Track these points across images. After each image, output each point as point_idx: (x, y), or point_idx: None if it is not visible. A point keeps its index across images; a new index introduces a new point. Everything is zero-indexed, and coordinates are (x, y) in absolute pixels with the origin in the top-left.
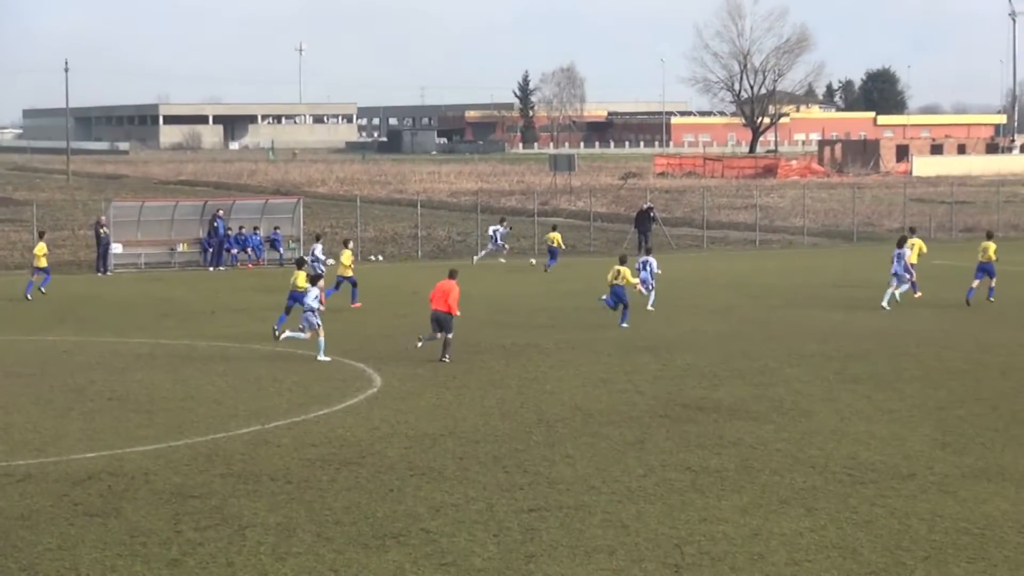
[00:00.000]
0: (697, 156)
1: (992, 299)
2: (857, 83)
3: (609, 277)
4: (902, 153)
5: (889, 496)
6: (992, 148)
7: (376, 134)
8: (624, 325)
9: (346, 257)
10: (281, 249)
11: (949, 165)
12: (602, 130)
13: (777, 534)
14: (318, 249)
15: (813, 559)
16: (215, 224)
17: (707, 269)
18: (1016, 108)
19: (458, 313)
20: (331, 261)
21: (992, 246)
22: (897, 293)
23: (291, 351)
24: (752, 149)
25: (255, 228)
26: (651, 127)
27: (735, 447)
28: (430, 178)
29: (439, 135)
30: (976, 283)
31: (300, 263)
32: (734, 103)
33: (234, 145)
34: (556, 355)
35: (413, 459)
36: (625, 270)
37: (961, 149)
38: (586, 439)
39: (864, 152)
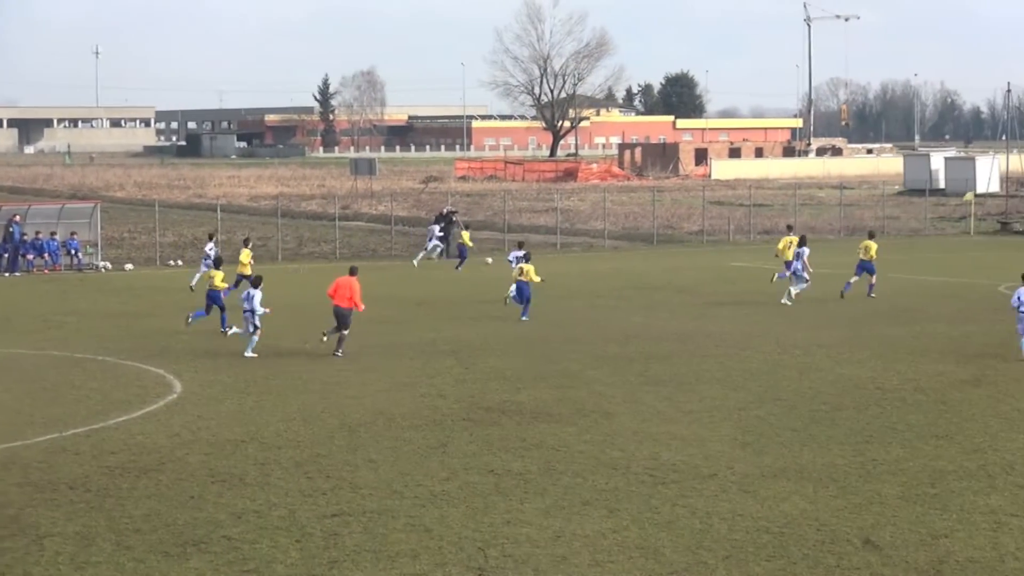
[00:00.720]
0: (498, 160)
1: (873, 295)
2: (656, 87)
3: (514, 273)
4: (701, 156)
5: (690, 496)
6: (789, 151)
7: (175, 138)
8: (524, 318)
9: (244, 256)
10: (80, 255)
11: (747, 168)
12: (403, 134)
13: (580, 535)
14: (208, 246)
15: (615, 560)
16: (11, 229)
17: (509, 272)
18: (812, 112)
19: (362, 308)
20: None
21: (873, 245)
22: (793, 291)
23: (91, 357)
24: (553, 153)
25: (52, 233)
26: (452, 131)
27: (538, 450)
28: (230, 182)
29: (239, 139)
30: (855, 279)
31: (218, 263)
32: (534, 107)
33: (29, 149)
34: (359, 359)
35: (214, 466)
36: (529, 267)
37: (759, 152)
38: (389, 443)
39: (663, 156)
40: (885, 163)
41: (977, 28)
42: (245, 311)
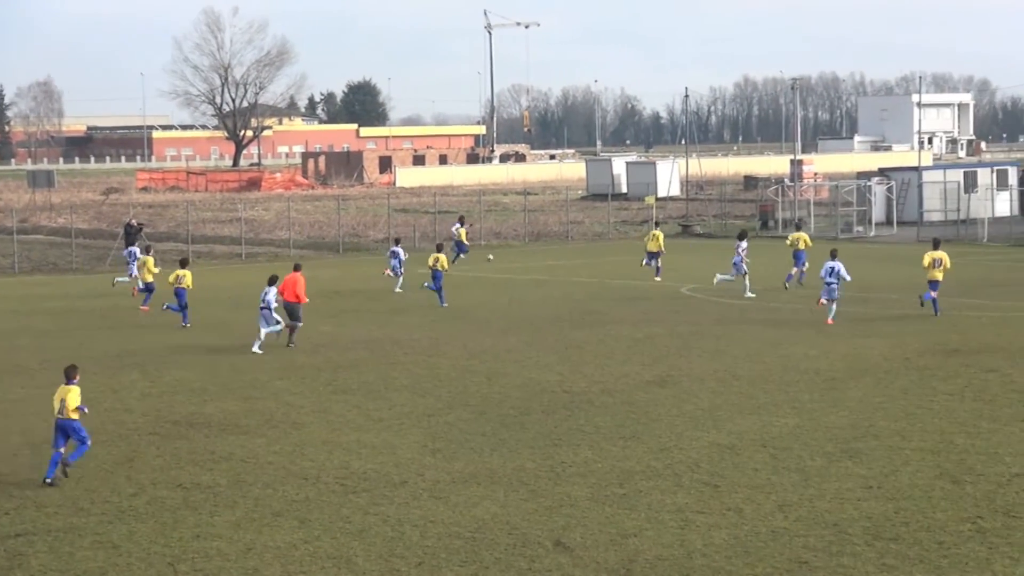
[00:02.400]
0: (180, 170)
1: (803, 282)
2: (339, 95)
3: (429, 262)
4: (385, 164)
5: (382, 504)
6: (473, 158)
7: None
8: (444, 305)
9: (149, 263)
10: None
11: (432, 176)
12: (82, 145)
13: (271, 547)
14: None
15: (308, 570)
16: None
17: (196, 284)
18: (495, 119)
19: (306, 300)
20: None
21: (804, 236)
22: (722, 277)
23: None
24: (236, 162)
25: None
26: (133, 141)
27: (227, 462)
28: None
29: None
30: (794, 270)
31: (184, 263)
32: (216, 116)
33: None
34: (41, 376)
35: None
36: (442, 256)
37: (443, 159)
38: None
39: (348, 164)
40: (568, 168)
41: (655, 35)
42: (263, 308)
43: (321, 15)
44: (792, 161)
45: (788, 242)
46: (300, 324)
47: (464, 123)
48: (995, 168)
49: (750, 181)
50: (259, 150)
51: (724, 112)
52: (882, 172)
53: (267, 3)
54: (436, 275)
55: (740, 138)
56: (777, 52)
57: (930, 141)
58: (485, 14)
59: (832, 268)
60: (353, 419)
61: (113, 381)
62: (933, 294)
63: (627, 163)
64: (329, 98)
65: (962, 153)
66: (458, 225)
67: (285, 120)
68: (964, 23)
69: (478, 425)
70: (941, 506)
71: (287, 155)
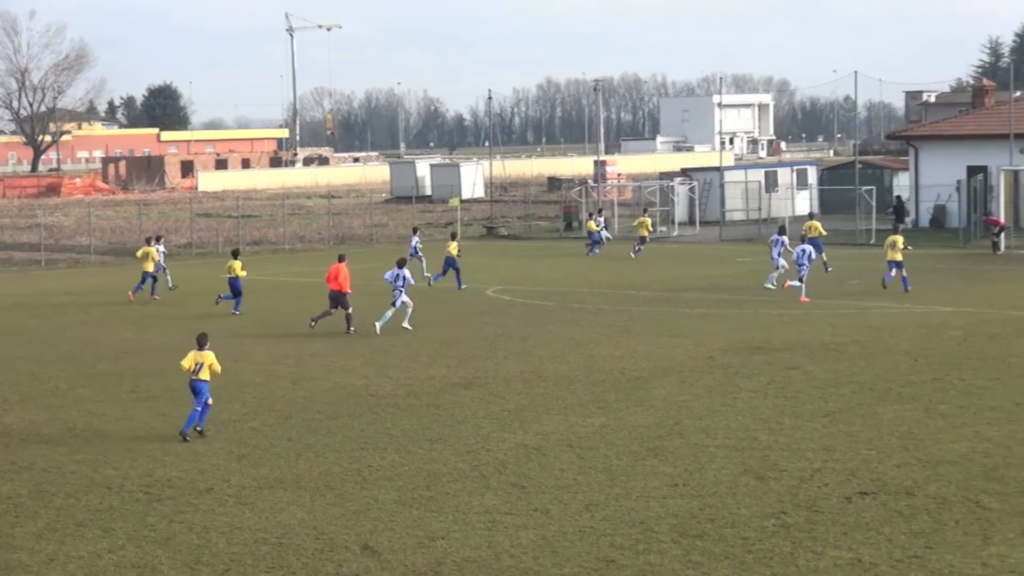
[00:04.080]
0: None
1: (829, 269)
2: (139, 99)
3: (445, 250)
4: (188, 168)
5: (187, 511)
6: (276, 162)
7: None
8: (464, 287)
9: (153, 254)
10: None
11: (235, 180)
12: None
13: (75, 557)
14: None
15: None
16: None
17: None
18: (298, 122)
19: (350, 291)
20: None
21: (817, 224)
22: (774, 278)
23: None
24: (34, 168)
25: None
26: None
27: (28, 472)
28: None
29: None
30: (822, 256)
31: (235, 253)
32: (13, 121)
33: None
34: None
35: None
36: (453, 244)
37: (246, 163)
38: None
39: (149, 168)
40: (372, 171)
41: (457, 37)
42: (397, 287)
43: (120, 18)
44: (595, 162)
45: (803, 231)
46: (351, 311)
47: (267, 127)
48: (795, 168)
49: (554, 182)
50: (58, 155)
51: (527, 114)
52: (684, 172)
53: (65, 5)
54: (448, 261)
55: (544, 139)
56: (579, 53)
57: (731, 141)
58: (286, 17)
59: (803, 251)
60: (157, 426)
61: None
62: (892, 273)
63: (431, 165)
64: (129, 102)
65: (763, 153)
66: (596, 217)
67: (85, 125)
68: (761, 24)
69: (284, 430)
70: (745, 502)
71: (87, 160)
